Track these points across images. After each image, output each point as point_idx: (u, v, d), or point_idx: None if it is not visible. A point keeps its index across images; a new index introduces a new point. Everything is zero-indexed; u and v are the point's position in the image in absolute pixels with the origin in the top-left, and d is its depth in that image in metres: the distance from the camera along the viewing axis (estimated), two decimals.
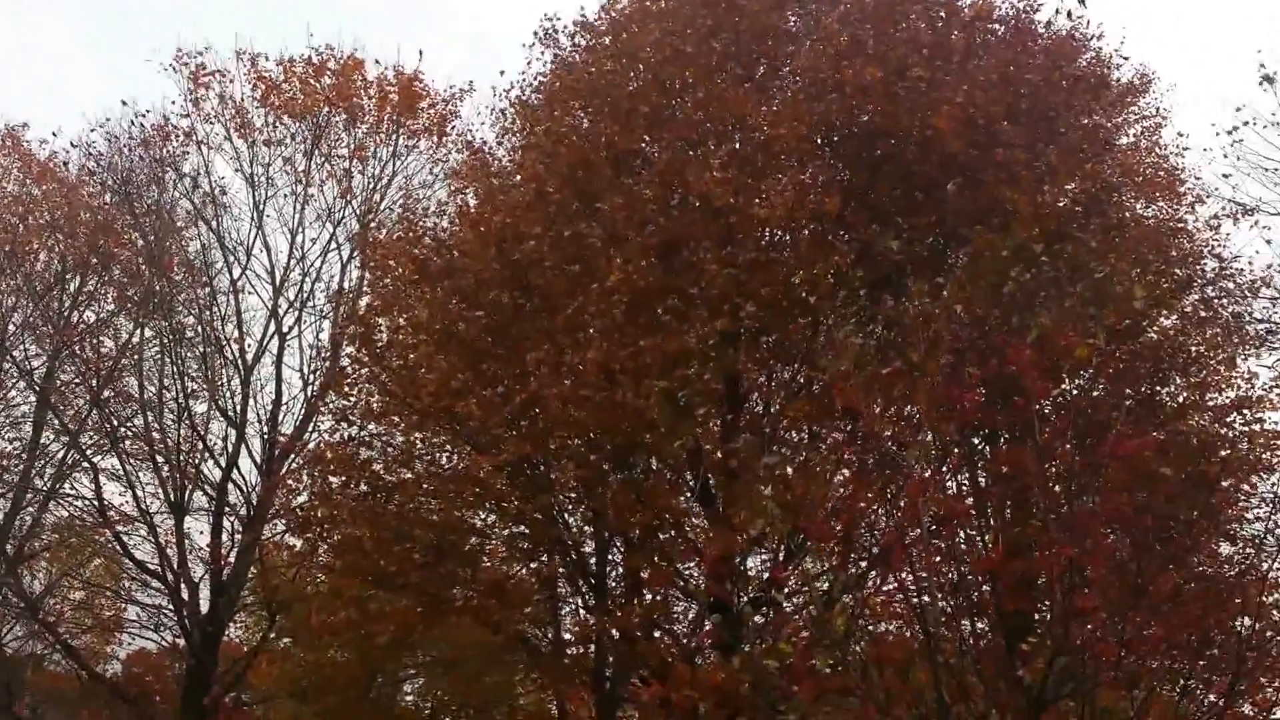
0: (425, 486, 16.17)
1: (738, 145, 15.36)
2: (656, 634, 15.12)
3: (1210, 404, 17.26)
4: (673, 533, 14.31)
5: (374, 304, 17.68)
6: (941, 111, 15.24)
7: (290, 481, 18.20)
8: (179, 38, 28.42)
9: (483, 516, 15.92)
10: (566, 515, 16.01)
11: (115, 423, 26.65)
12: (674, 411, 13.65)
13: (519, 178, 16.26)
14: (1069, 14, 18.18)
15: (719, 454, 13.93)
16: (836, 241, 14.81)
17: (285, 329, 25.80)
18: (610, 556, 16.25)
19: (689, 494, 15.24)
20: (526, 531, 15.43)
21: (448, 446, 16.17)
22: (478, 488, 14.79)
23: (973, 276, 14.82)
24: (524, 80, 18.53)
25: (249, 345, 25.76)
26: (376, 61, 27.50)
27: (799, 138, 14.91)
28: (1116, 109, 20.98)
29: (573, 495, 15.26)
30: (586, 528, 16.09)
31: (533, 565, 16.15)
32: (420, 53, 29.10)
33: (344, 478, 16.63)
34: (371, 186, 27.13)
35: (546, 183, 15.33)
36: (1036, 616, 13.33)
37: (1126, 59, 20.40)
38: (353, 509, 15.85)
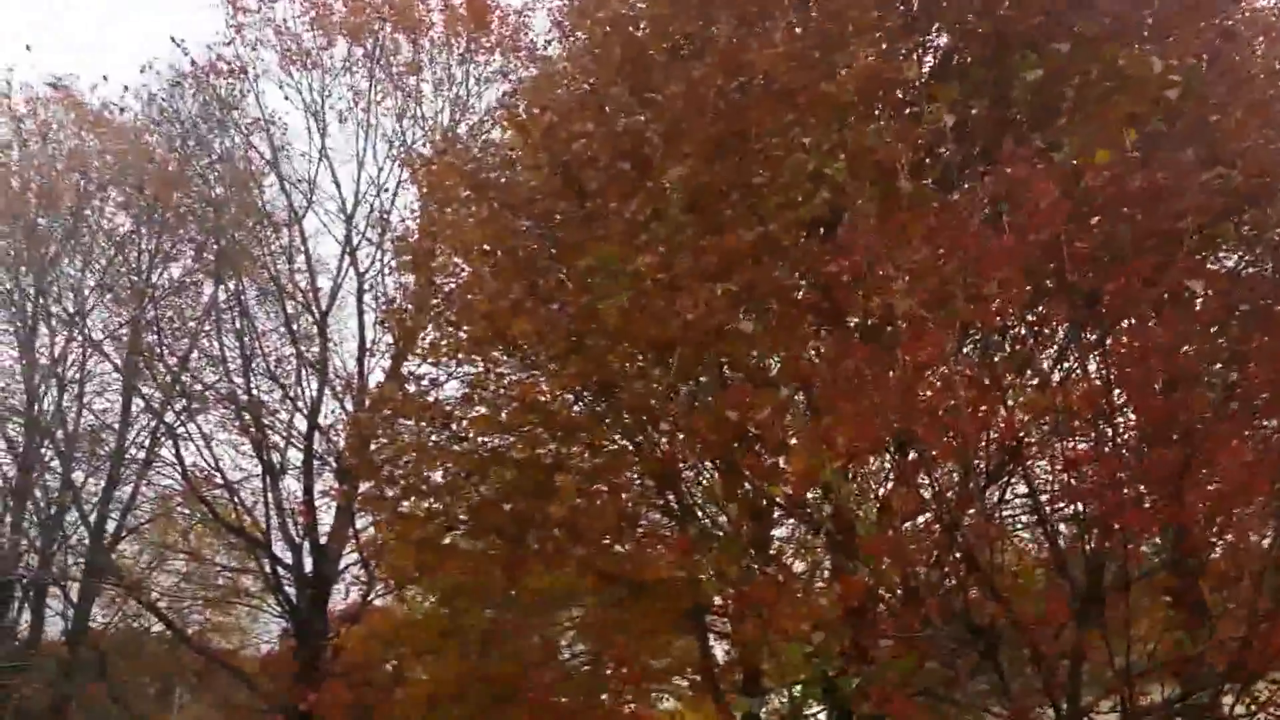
0: (501, 420, 15.95)
1: (808, 14, 14.76)
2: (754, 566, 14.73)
3: None
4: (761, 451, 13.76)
5: (425, 227, 17.50)
6: None
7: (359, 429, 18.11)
8: None
9: (553, 448, 15.63)
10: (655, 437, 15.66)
11: (201, 386, 27.20)
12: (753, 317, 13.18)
13: (567, 74, 15.86)
14: None
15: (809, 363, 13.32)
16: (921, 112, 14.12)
17: (363, 268, 26.01)
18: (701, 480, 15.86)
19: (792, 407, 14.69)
20: (603, 463, 15.10)
21: (510, 374, 15.92)
22: (542, 416, 14.52)
23: (1081, 143, 14.16)
24: None
25: (321, 288, 26.10)
26: None
27: (874, 2, 14.26)
28: None
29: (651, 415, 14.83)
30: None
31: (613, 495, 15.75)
32: None
33: (414, 420, 16.54)
34: (448, 112, 27.04)
35: (596, 76, 14.94)
36: None
37: None
38: (420, 446, 15.76)
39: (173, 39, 27.27)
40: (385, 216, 26.12)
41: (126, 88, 28.03)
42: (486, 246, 15.55)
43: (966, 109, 14.79)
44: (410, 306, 17.52)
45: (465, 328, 15.48)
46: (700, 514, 15.88)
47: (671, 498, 15.81)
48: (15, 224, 28.89)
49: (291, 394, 25.78)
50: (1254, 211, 14.63)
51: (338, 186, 26.83)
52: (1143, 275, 11.54)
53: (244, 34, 26.29)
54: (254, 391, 25.77)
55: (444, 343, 16.84)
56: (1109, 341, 12.94)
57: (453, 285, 16.58)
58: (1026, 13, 15.00)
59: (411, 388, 17.60)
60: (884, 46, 14.46)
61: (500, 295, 14.36)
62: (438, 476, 16.01)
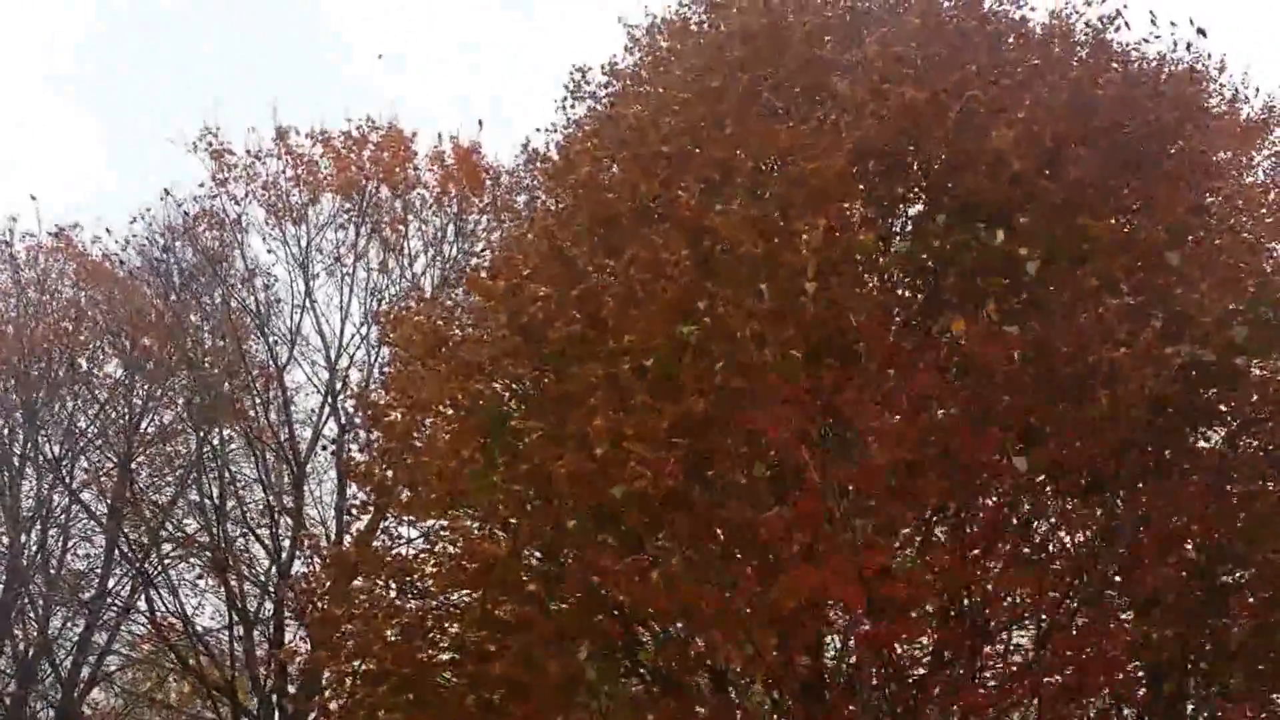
0: (457, 576, 15.48)
1: (770, 183, 14.61)
2: None
3: None
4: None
5: (388, 384, 17.27)
6: (1002, 131, 14.42)
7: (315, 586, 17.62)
8: (207, 116, 28.74)
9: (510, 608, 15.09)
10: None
11: (182, 534, 26.82)
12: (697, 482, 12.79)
13: (531, 236, 15.69)
14: (1188, 46, 17.45)
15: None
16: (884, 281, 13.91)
17: (344, 419, 25.70)
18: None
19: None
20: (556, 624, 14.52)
21: (469, 529, 15.47)
22: (496, 574, 14.00)
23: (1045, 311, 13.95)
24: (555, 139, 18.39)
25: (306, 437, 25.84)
26: (439, 135, 27.50)
27: (837, 171, 14.07)
28: (1242, 143, 20.05)
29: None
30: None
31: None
32: (480, 123, 29.08)
33: (369, 577, 16.10)
34: (439, 268, 26.97)
35: (561, 239, 14.74)
36: None
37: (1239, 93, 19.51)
38: (373, 602, 15.28)
39: (166, 191, 26.89)
40: (372, 367, 25.97)
41: (128, 241, 27.76)
42: (448, 404, 15.23)
43: (929, 277, 14.60)
44: (376, 461, 17.12)
45: (420, 486, 15.06)
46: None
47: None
48: (6, 369, 28.68)
49: (266, 544, 25.36)
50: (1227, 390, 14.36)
51: (322, 337, 26.67)
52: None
53: (229, 188, 26.42)
54: (231, 540, 25.33)
55: (404, 497, 16.47)
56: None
57: (415, 443, 16.22)
58: (996, 182, 14.84)
59: (378, 542, 17.24)
60: (851, 215, 14.32)
61: (453, 455, 13.97)
62: (391, 635, 15.49)
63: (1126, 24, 17.38)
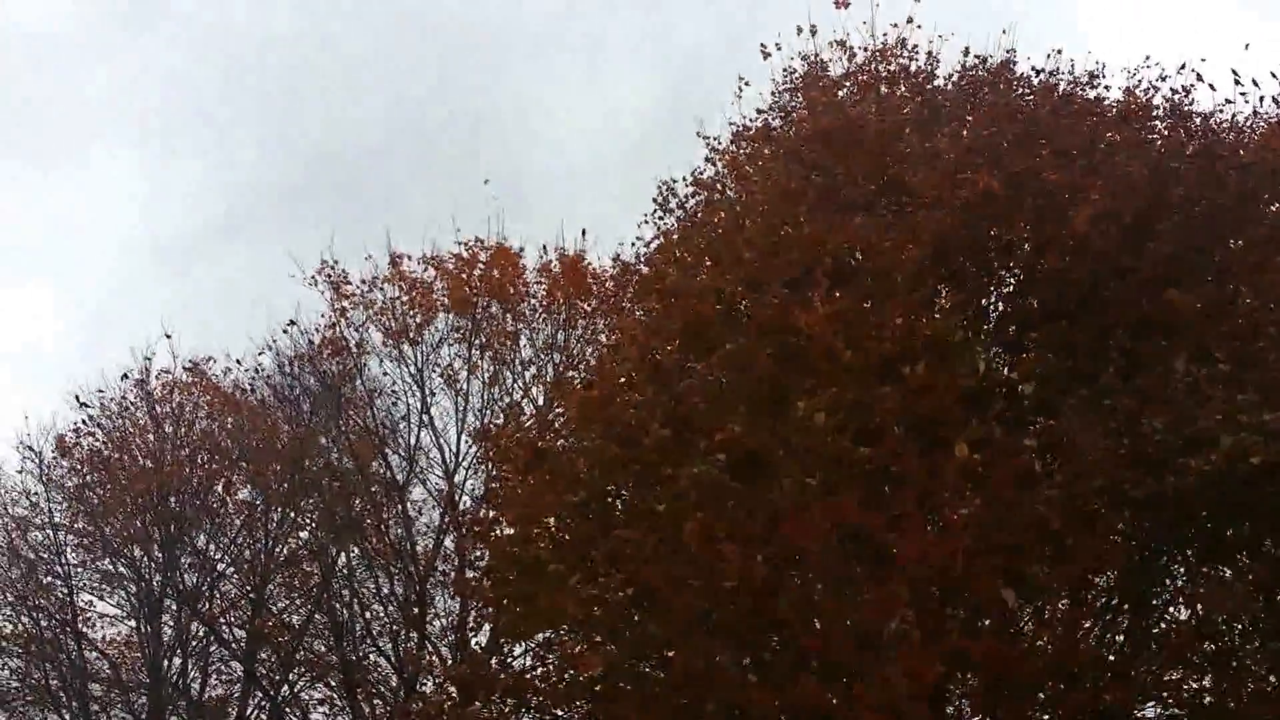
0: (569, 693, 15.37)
1: (851, 277, 14.56)
2: None
3: None
4: None
5: (492, 499, 17.33)
6: (1080, 213, 14.24)
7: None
8: (328, 245, 29.45)
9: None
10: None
11: (314, 655, 27.03)
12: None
13: (623, 345, 15.79)
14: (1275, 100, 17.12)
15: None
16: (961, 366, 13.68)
17: (462, 533, 25.80)
18: None
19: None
20: None
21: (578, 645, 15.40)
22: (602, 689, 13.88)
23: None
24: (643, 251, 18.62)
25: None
26: (544, 248, 27.95)
27: (914, 260, 13.99)
28: None
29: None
30: None
31: None
32: (584, 232, 29.38)
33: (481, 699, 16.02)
34: (550, 373, 27.15)
35: (651, 346, 14.82)
36: None
37: None
38: None
39: (292, 322, 27.59)
40: (489, 478, 26.11)
41: (258, 370, 28.53)
42: (553, 521, 15.25)
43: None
44: (484, 576, 17.16)
45: (525, 601, 15.05)
46: None
47: None
48: (145, 503, 29.28)
49: (393, 661, 25.50)
50: None
51: (440, 451, 27.03)
52: None
53: (348, 316, 27.08)
54: (360, 659, 25.52)
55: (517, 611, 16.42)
56: None
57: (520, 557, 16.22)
58: (1080, 261, 14.63)
59: (494, 659, 17.20)
60: (939, 301, 14.27)
61: (556, 574, 13.94)
62: None
63: (1212, 86, 17.13)
